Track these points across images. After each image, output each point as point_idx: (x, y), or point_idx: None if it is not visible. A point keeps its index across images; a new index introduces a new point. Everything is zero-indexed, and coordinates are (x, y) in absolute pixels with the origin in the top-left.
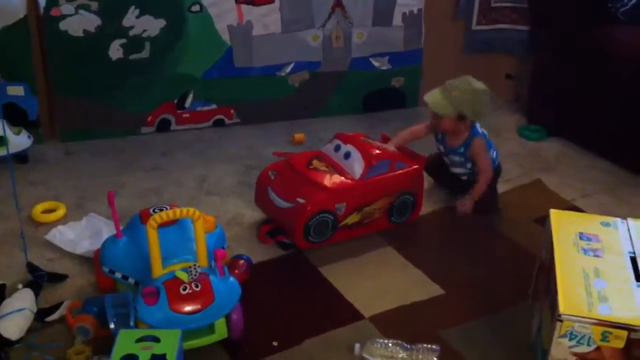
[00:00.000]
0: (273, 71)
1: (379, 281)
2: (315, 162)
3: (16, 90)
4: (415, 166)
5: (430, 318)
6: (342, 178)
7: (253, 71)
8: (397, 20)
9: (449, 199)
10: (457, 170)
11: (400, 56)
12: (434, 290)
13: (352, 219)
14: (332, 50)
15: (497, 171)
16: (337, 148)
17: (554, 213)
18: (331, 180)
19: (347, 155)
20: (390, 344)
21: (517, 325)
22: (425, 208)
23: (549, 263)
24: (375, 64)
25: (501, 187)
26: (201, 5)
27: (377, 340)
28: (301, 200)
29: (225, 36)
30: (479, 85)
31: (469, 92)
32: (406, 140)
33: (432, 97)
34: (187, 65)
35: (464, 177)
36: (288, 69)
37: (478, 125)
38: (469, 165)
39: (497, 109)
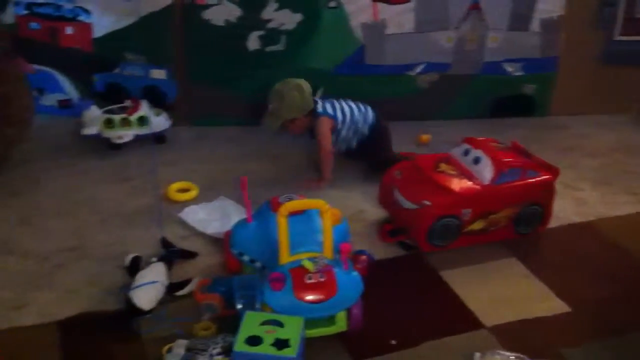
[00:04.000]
0: (403, 70)
1: (501, 291)
2: (443, 165)
3: (159, 74)
4: (547, 176)
5: (553, 334)
6: (470, 183)
7: (383, 69)
8: (534, 25)
9: (579, 213)
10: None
11: (535, 63)
12: (559, 306)
13: (477, 225)
14: (464, 52)
15: (377, 130)
16: (467, 152)
17: None
18: (459, 184)
19: (477, 161)
20: (512, 357)
21: None
22: (554, 221)
23: None
24: (508, 69)
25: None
26: (338, 2)
27: (498, 351)
28: (427, 203)
29: (359, 33)
30: (285, 85)
31: (279, 99)
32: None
33: (266, 121)
34: (319, 59)
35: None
36: (418, 69)
37: (320, 105)
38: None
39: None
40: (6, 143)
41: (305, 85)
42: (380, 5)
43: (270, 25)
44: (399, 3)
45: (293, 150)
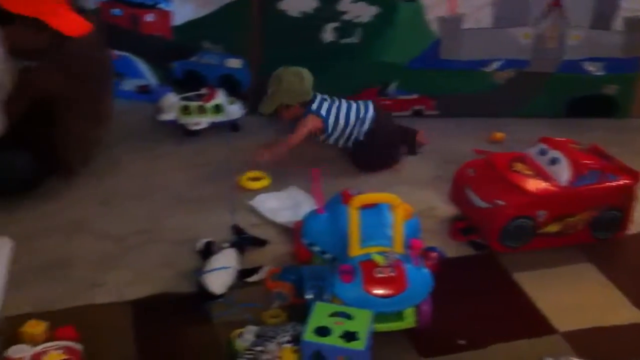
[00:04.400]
0: (479, 66)
1: (575, 297)
2: (518, 165)
3: (234, 63)
4: (628, 180)
5: (628, 344)
6: (547, 184)
7: (458, 64)
8: (617, 24)
9: None
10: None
11: (617, 62)
12: (636, 316)
13: (552, 228)
14: (543, 50)
15: (373, 134)
16: (543, 152)
17: None
18: (534, 185)
19: (554, 161)
20: None
21: None
22: (634, 227)
23: None
24: (589, 68)
25: None
26: None
27: (570, 358)
28: (501, 202)
29: (434, 27)
30: (286, 70)
31: (277, 83)
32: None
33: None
34: (393, 53)
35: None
36: (495, 65)
37: (316, 103)
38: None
39: None
40: (95, 143)
41: (307, 75)
42: None
43: (346, 17)
44: None
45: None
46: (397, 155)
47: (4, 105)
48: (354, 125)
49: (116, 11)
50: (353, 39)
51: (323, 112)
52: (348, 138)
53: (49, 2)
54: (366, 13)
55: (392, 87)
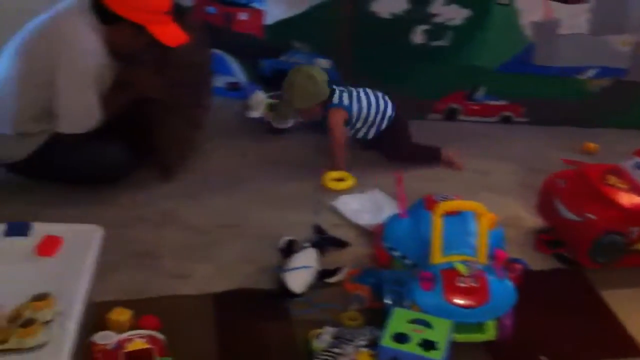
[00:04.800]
0: (573, 73)
1: None
2: (612, 178)
3: (323, 63)
4: None
5: None
6: None
7: (552, 70)
8: None
9: None
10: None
11: None
12: None
13: None
14: None
15: (395, 123)
16: (639, 166)
17: None
18: (628, 199)
19: None
20: None
21: None
22: None
23: None
24: None
25: None
26: None
27: None
28: (592, 216)
29: (528, 31)
30: (297, 73)
31: (289, 87)
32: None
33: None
34: (484, 57)
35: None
36: (590, 73)
37: (336, 95)
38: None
39: None
40: (192, 145)
41: (319, 74)
42: (554, 4)
43: (437, 19)
44: (575, 3)
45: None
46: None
47: (101, 99)
48: (376, 111)
49: (210, 9)
50: (443, 42)
51: (346, 102)
52: (371, 125)
53: (154, 10)
54: (458, 16)
55: (481, 92)
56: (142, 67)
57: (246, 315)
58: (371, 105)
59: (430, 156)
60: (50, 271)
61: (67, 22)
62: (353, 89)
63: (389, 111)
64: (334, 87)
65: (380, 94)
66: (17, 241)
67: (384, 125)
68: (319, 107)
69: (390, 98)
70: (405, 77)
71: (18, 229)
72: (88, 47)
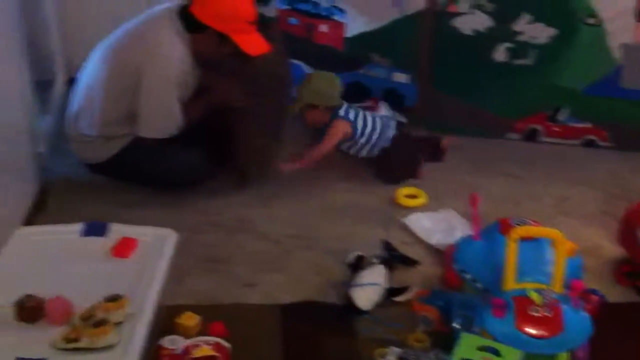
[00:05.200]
0: None
1: None
2: None
3: (401, 78)
4: None
5: None
6: None
7: None
8: None
9: None
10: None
11: None
12: None
13: None
14: None
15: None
16: None
17: None
18: None
19: None
20: None
21: None
22: None
23: None
24: None
25: None
26: (598, 19)
27: None
28: None
29: (617, 53)
30: (318, 74)
31: (306, 82)
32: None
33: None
34: (568, 77)
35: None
36: None
37: (343, 109)
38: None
39: None
40: (273, 157)
41: (337, 82)
42: None
43: (521, 37)
44: None
45: (534, 172)
46: (417, 164)
47: (183, 106)
48: (378, 131)
49: (292, 20)
50: (527, 61)
51: (351, 117)
52: (374, 144)
53: (239, 20)
54: (543, 34)
55: (564, 113)
56: (224, 75)
57: (312, 329)
58: (375, 123)
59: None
60: (124, 273)
61: (155, 29)
62: (360, 110)
63: (390, 131)
64: (344, 102)
65: (383, 116)
66: (95, 241)
67: (387, 144)
68: (326, 114)
69: (395, 120)
70: (485, 94)
71: (96, 229)
72: (173, 54)
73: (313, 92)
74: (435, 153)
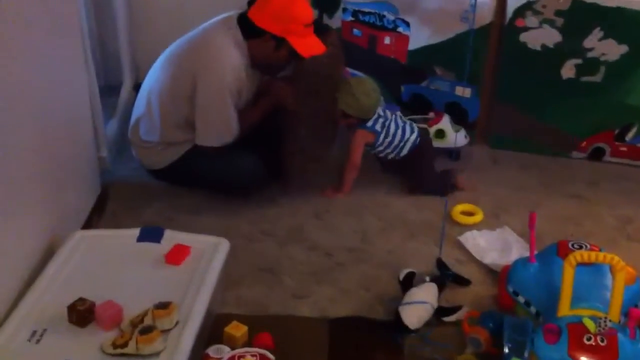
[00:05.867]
0: None
1: None
2: None
3: (464, 92)
4: None
5: None
6: None
7: None
8: None
9: None
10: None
11: None
12: None
13: None
14: None
15: (418, 146)
16: None
17: None
18: None
19: None
20: None
21: None
22: None
23: None
24: None
25: None
26: None
27: None
28: None
29: None
30: (360, 83)
31: (346, 89)
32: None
33: None
34: (638, 96)
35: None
36: None
37: (373, 119)
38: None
39: None
40: (320, 160)
41: (375, 93)
42: None
43: (590, 54)
44: None
45: (598, 192)
46: (449, 176)
47: (241, 114)
48: (401, 139)
49: (357, 31)
50: (595, 78)
51: (378, 128)
52: (393, 150)
53: (296, 22)
54: (614, 52)
55: (633, 133)
56: (279, 78)
57: (359, 344)
58: (397, 134)
59: (445, 184)
60: (176, 280)
61: (212, 37)
62: (389, 114)
63: (412, 138)
64: (380, 112)
65: (407, 123)
66: (149, 247)
67: (405, 151)
68: (356, 121)
69: (417, 127)
70: (551, 111)
71: (151, 235)
72: (230, 63)
73: (348, 101)
74: (445, 186)
